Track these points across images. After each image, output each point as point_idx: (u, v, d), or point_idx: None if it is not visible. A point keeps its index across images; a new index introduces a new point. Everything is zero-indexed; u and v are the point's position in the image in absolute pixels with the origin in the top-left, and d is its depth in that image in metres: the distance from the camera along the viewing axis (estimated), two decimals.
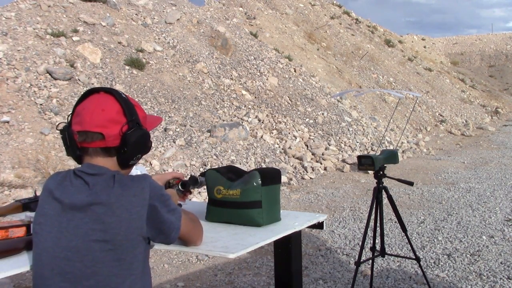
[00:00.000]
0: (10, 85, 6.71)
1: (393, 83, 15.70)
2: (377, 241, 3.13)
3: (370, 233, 3.66)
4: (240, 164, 7.05)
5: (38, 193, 1.90)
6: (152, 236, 1.33)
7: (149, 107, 7.72)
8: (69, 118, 1.36)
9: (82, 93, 1.59)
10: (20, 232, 1.53)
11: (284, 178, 7.07)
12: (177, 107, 8.09)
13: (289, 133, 8.65)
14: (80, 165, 1.37)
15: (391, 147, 10.03)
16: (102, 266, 1.24)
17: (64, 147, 1.38)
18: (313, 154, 8.34)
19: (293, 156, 8.02)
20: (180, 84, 8.86)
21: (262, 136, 8.25)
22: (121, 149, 1.32)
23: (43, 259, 1.28)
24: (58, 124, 1.44)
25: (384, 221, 3.17)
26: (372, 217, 3.02)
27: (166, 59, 9.35)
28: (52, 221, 1.28)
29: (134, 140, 1.33)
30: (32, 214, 1.66)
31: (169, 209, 1.33)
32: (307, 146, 8.56)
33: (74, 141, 1.33)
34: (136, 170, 1.96)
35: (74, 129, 1.32)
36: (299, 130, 8.95)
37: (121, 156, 1.34)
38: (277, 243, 1.75)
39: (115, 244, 1.24)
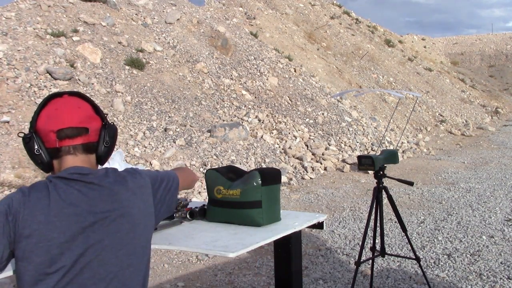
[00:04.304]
0: (10, 85, 6.71)
1: (393, 83, 15.70)
2: (377, 241, 3.13)
3: (370, 233, 3.66)
4: (240, 164, 7.04)
5: None
6: None
7: (149, 107, 7.72)
8: (33, 124, 1.30)
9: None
10: None
11: (284, 178, 7.07)
12: (177, 107, 8.09)
13: (289, 133, 8.64)
14: (47, 173, 1.32)
15: (391, 147, 10.03)
16: None
17: (30, 157, 1.30)
18: (313, 154, 8.34)
19: (293, 156, 8.01)
20: (180, 84, 8.86)
21: (262, 136, 8.24)
22: (101, 143, 1.34)
23: None
24: (19, 133, 1.35)
25: (384, 221, 3.17)
26: (372, 217, 3.02)
27: (166, 59, 9.35)
28: None
29: (113, 134, 1.38)
30: None
31: None
32: (307, 146, 8.55)
33: (43, 144, 1.28)
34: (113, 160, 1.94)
35: (53, 129, 1.26)
36: (299, 130, 8.94)
37: (103, 150, 1.35)
38: (277, 243, 1.75)
39: None
